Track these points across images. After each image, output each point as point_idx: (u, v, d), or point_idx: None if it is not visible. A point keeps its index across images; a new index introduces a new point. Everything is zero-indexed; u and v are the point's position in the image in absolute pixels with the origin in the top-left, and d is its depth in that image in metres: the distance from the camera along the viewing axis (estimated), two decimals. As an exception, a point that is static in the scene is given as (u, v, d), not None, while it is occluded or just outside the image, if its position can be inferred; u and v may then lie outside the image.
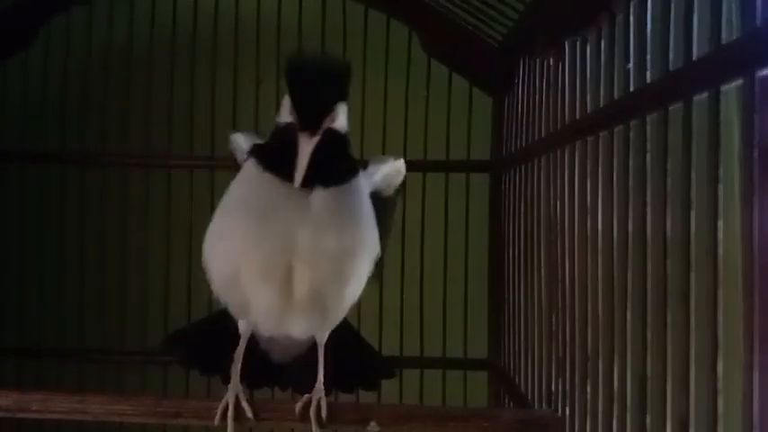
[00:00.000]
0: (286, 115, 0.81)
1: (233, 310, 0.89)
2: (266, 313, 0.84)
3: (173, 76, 1.30)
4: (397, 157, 1.00)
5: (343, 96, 0.81)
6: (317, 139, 0.78)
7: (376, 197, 0.91)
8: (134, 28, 1.31)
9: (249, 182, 0.83)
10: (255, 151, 0.85)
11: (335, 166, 0.82)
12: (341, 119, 0.81)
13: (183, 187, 1.29)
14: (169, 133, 1.30)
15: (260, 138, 0.92)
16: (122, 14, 1.31)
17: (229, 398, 0.86)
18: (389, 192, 0.98)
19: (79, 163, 1.31)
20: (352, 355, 0.95)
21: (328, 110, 0.80)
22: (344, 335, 0.93)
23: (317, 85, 0.79)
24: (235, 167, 0.95)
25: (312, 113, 0.79)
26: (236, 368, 0.88)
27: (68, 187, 1.31)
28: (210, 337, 0.98)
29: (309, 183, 0.79)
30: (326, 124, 0.79)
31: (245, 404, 0.85)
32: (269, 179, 0.81)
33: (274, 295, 0.81)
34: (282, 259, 0.80)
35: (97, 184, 1.30)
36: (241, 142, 0.93)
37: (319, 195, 0.80)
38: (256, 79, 1.30)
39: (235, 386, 0.87)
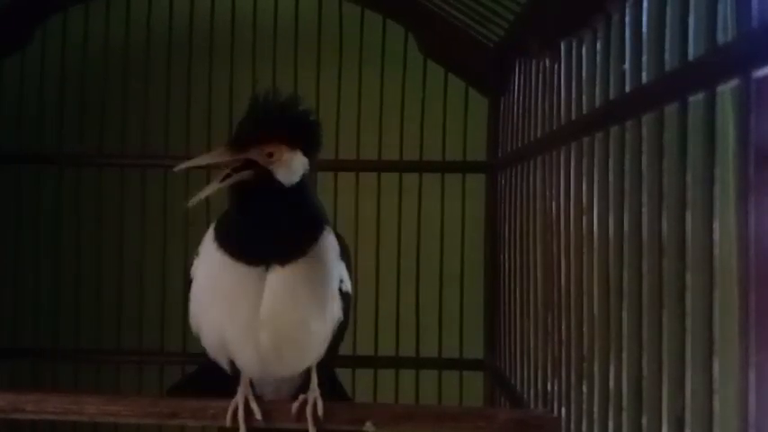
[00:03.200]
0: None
1: (219, 360, 0.92)
2: (249, 364, 0.89)
3: (169, 77, 1.30)
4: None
5: (289, 138, 0.83)
6: (238, 156, 0.81)
7: None
8: (130, 29, 1.30)
9: (209, 261, 0.87)
10: (216, 224, 0.88)
11: (294, 229, 0.85)
12: (290, 166, 0.84)
13: (180, 187, 1.29)
14: (165, 134, 1.30)
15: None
16: (119, 15, 1.30)
17: (239, 399, 0.87)
18: None
19: (75, 164, 1.30)
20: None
21: (258, 137, 0.82)
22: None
23: (258, 114, 0.84)
24: None
25: (241, 134, 0.84)
26: (245, 374, 0.90)
27: (65, 188, 1.30)
28: (210, 379, 1.00)
29: (265, 259, 0.83)
30: (256, 156, 0.82)
31: (254, 405, 0.87)
32: (224, 259, 0.85)
33: (252, 352, 0.87)
34: (251, 329, 0.85)
35: (93, 185, 1.30)
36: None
37: (275, 275, 0.84)
38: (253, 80, 1.30)
39: (244, 387, 0.88)
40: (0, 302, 1.30)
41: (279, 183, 0.84)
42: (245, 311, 0.85)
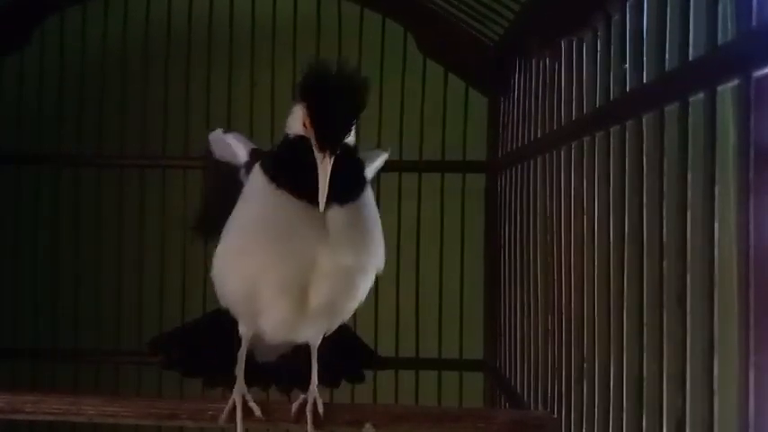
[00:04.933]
0: (298, 127, 0.81)
1: (242, 319, 0.89)
2: (278, 323, 0.86)
3: (168, 78, 1.30)
4: (385, 149, 1.00)
5: (361, 112, 0.80)
6: (331, 160, 0.78)
7: None
8: (128, 29, 1.30)
9: (264, 199, 0.83)
10: (266, 164, 0.84)
11: (349, 181, 0.82)
12: (352, 132, 0.82)
13: (178, 188, 1.29)
14: (164, 134, 1.30)
15: (250, 142, 0.92)
16: (117, 16, 1.30)
17: (236, 398, 0.86)
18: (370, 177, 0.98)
19: (74, 164, 1.30)
20: (337, 346, 0.94)
21: (348, 129, 0.80)
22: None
23: (338, 103, 0.78)
24: (212, 166, 0.95)
25: (332, 133, 0.78)
26: (240, 369, 0.89)
27: (63, 188, 1.30)
28: (198, 340, 0.99)
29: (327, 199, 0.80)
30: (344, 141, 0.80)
31: (252, 404, 0.86)
32: (284, 197, 0.81)
33: (290, 308, 0.83)
34: (301, 276, 0.81)
35: (92, 185, 1.30)
36: (231, 143, 0.92)
37: (335, 214, 0.81)
38: (251, 80, 1.30)
39: (240, 386, 0.87)
40: (-1, 303, 1.30)
41: (352, 149, 0.83)
42: (299, 249, 0.80)
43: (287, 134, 0.84)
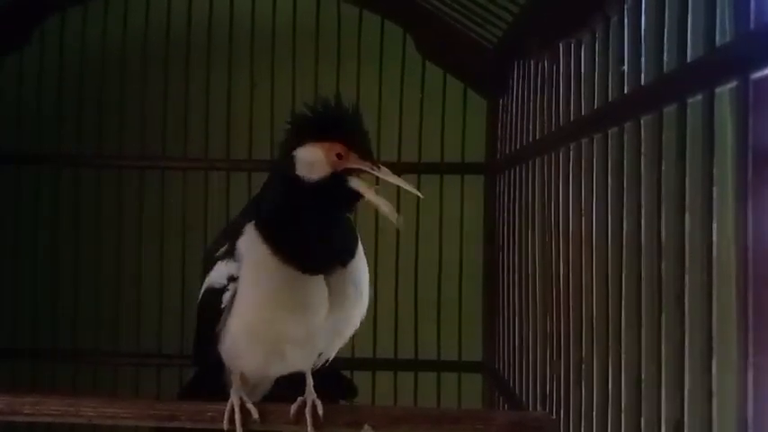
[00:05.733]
0: (321, 167, 0.81)
1: (246, 366, 0.90)
2: (284, 368, 0.90)
3: (167, 78, 1.30)
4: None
5: None
6: (385, 170, 0.81)
7: None
8: (128, 30, 1.30)
9: (270, 280, 0.83)
10: (265, 226, 0.83)
11: (347, 235, 0.87)
12: None
13: (177, 189, 1.29)
14: (163, 135, 1.30)
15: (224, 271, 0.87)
16: (117, 16, 1.30)
17: (234, 401, 0.86)
18: None
19: (73, 164, 1.30)
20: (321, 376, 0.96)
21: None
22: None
23: (362, 127, 0.83)
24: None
25: (369, 147, 0.83)
26: (236, 375, 0.89)
27: (63, 189, 1.30)
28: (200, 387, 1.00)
29: (329, 262, 0.83)
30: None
31: (250, 405, 0.86)
32: (290, 275, 0.82)
33: (303, 353, 0.88)
34: (308, 334, 0.86)
35: (92, 185, 1.30)
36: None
37: (338, 279, 0.84)
38: (251, 82, 1.30)
39: (237, 389, 0.87)
40: (-2, 304, 1.30)
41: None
42: (316, 315, 0.84)
43: (297, 178, 0.83)
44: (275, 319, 0.84)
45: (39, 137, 1.30)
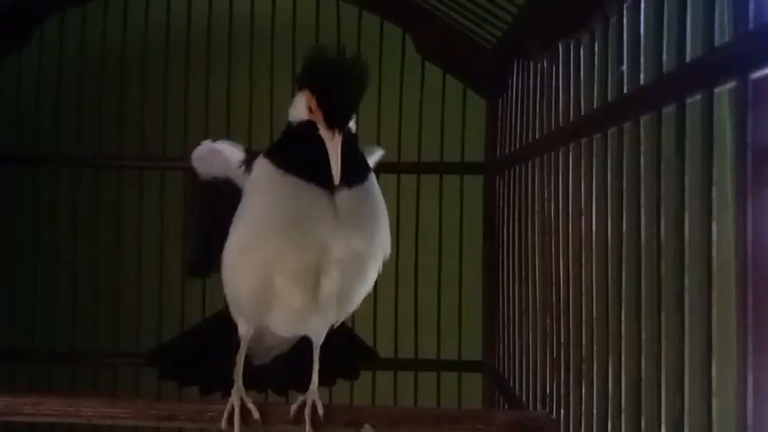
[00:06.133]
0: (302, 113, 0.82)
1: (249, 314, 0.88)
2: (289, 314, 0.85)
3: (167, 79, 1.30)
4: (385, 151, 1.02)
5: (364, 92, 0.82)
6: (340, 137, 0.79)
7: None
8: (128, 30, 1.30)
9: (273, 187, 0.82)
10: (271, 153, 0.84)
11: (355, 164, 0.83)
12: (354, 118, 0.83)
13: (177, 189, 1.29)
14: (163, 135, 1.30)
15: (238, 148, 0.90)
16: (116, 17, 1.30)
17: (235, 401, 0.86)
18: None
19: (72, 165, 1.30)
20: (336, 345, 0.94)
21: (353, 108, 0.81)
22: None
23: (342, 82, 0.80)
24: (199, 191, 0.92)
25: (339, 111, 0.80)
26: (239, 371, 0.89)
27: (61, 189, 1.30)
28: (195, 349, 0.99)
29: (330, 179, 0.80)
30: (349, 122, 0.81)
31: (251, 405, 0.86)
32: (294, 182, 0.81)
33: (303, 296, 0.83)
34: (315, 262, 0.81)
35: (91, 186, 1.30)
36: (222, 149, 0.89)
37: (344, 196, 0.81)
38: (250, 82, 1.30)
39: (238, 389, 0.87)
40: (-3, 304, 1.30)
41: (354, 134, 0.84)
42: (313, 236, 0.80)
43: (289, 123, 0.85)
44: (277, 230, 0.81)
45: (38, 137, 1.30)
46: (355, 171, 0.83)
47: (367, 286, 0.87)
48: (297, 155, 0.82)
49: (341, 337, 0.94)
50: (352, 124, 0.83)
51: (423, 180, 1.31)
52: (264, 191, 0.83)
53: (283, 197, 0.81)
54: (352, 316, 1.15)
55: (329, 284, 0.82)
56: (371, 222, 0.84)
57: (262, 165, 0.84)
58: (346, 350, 1.00)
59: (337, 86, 0.80)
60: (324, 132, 0.79)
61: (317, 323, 0.88)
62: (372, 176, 0.86)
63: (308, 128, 0.81)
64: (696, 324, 0.56)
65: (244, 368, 0.89)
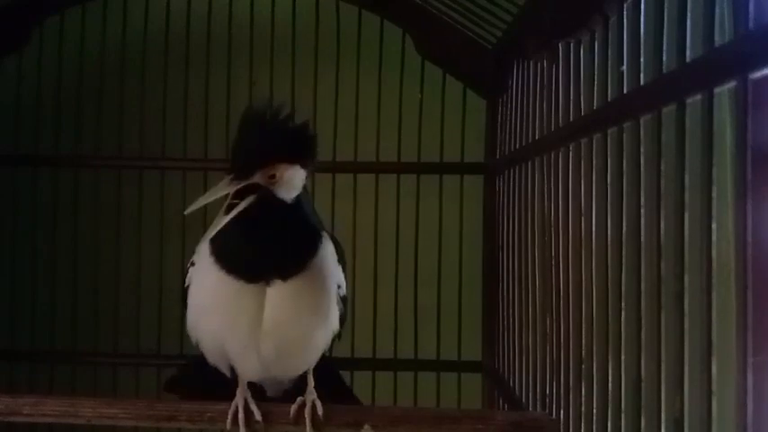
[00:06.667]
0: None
1: (217, 364, 0.93)
2: (249, 370, 0.90)
3: (166, 78, 1.30)
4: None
5: (289, 156, 0.81)
6: (242, 184, 0.79)
7: None
8: (127, 30, 1.30)
9: (204, 281, 0.86)
10: (214, 239, 0.84)
11: (293, 241, 0.83)
12: (291, 182, 0.82)
13: (177, 189, 1.29)
14: (163, 135, 1.30)
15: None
16: (116, 17, 1.30)
17: (239, 401, 0.87)
18: None
19: (72, 165, 1.30)
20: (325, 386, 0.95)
21: (260, 161, 0.80)
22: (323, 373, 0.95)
23: (257, 137, 0.81)
24: None
25: (240, 159, 0.80)
26: (243, 380, 0.90)
27: (61, 189, 1.30)
28: (209, 374, 0.99)
29: (266, 275, 0.82)
30: (259, 179, 0.80)
31: (254, 407, 0.87)
32: (221, 278, 0.83)
33: (252, 361, 0.88)
34: (252, 341, 0.86)
35: (90, 186, 1.30)
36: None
37: (276, 290, 0.83)
38: (250, 81, 1.30)
39: (242, 390, 0.88)
40: (-3, 304, 1.30)
41: (280, 201, 0.82)
42: (245, 326, 0.84)
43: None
44: (213, 320, 0.87)
45: (37, 137, 1.30)
46: (297, 253, 0.84)
47: (307, 353, 0.90)
48: (234, 239, 0.82)
49: (322, 378, 0.95)
50: (286, 189, 0.82)
51: (423, 180, 1.31)
52: (198, 281, 0.88)
53: (212, 292, 0.85)
54: (353, 317, 1.16)
55: (267, 355, 0.86)
56: (308, 315, 0.86)
57: (202, 251, 0.87)
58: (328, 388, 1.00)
59: (245, 135, 0.81)
60: (226, 178, 0.79)
61: (279, 373, 0.91)
62: (323, 251, 0.86)
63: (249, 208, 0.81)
64: (696, 324, 0.56)
65: (261, 396, 0.92)
